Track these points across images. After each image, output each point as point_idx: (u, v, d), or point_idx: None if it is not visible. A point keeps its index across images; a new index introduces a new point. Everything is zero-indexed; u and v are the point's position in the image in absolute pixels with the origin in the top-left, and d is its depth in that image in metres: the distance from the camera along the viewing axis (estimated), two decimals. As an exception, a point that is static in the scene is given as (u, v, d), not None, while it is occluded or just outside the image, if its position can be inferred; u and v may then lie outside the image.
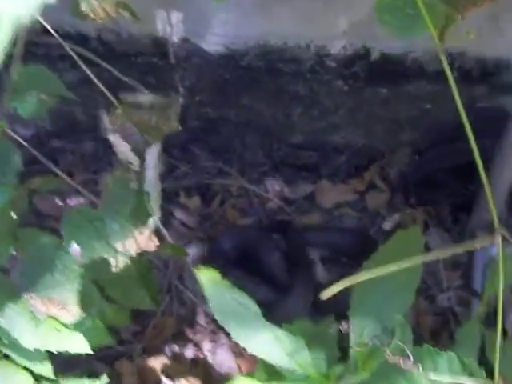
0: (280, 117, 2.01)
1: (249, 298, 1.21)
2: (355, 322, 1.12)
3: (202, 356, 1.77)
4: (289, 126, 2.03)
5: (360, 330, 1.14)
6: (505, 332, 1.72)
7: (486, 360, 1.34)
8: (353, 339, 1.16)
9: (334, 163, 2.11)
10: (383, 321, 1.21)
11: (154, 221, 1.22)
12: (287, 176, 2.12)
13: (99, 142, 2.11)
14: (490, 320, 1.55)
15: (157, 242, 1.26)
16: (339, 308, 1.70)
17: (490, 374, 1.36)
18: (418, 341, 1.35)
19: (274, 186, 2.09)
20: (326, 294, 0.87)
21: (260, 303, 1.76)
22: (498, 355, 0.94)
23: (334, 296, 1.76)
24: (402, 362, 0.95)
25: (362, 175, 2.10)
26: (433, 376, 0.99)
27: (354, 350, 1.16)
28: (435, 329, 1.78)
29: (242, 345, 1.17)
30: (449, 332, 1.77)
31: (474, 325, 1.43)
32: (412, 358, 0.95)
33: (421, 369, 0.96)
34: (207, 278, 1.19)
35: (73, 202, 1.97)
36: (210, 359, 1.76)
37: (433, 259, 0.80)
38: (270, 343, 1.18)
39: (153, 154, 1.13)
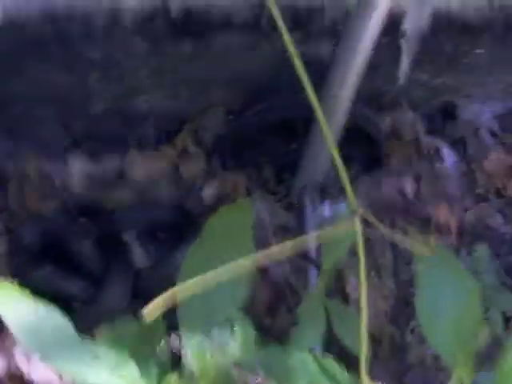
0: (76, 85, 1.79)
1: (59, 313, 1.00)
2: (186, 333, 0.95)
3: (16, 369, 1.56)
4: (87, 94, 1.82)
5: (192, 340, 0.98)
6: (346, 296, 1.64)
7: (331, 332, 1.23)
8: (186, 348, 1.00)
9: (141, 131, 1.91)
10: (218, 315, 1.05)
11: None
12: (90, 150, 1.91)
13: None
14: (329, 288, 1.44)
15: None
16: (159, 291, 1.56)
17: (339, 349, 1.25)
18: (254, 320, 1.23)
19: (76, 163, 1.88)
20: (150, 313, 0.69)
21: (76, 299, 1.59)
22: (364, 355, 0.79)
23: (154, 278, 1.61)
24: (249, 380, 0.79)
25: (172, 141, 1.92)
26: (287, 385, 0.84)
27: (189, 359, 0.99)
28: (271, 303, 1.65)
29: (56, 368, 0.98)
30: (286, 305, 1.64)
31: (316, 300, 1.30)
32: (260, 374, 0.79)
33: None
34: (2, 293, 0.98)
35: None
36: (25, 371, 1.55)
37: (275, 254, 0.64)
38: (89, 363, 0.98)
39: None
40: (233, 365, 0.84)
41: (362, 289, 0.75)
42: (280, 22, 0.54)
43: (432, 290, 1.00)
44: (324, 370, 0.86)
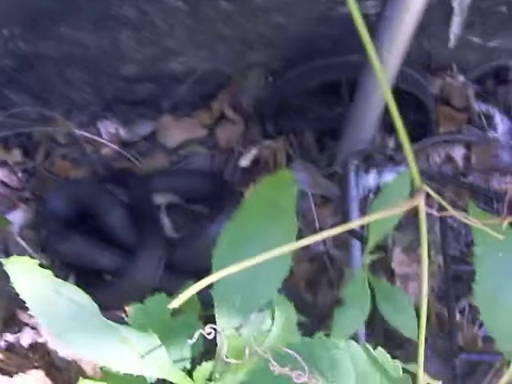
0: (106, 46, 1.71)
1: (83, 292, 0.91)
2: (222, 317, 0.87)
3: (41, 341, 1.50)
4: (118, 55, 1.73)
5: (228, 325, 0.90)
6: (390, 272, 1.55)
7: (375, 309, 1.16)
8: (221, 334, 0.91)
9: (175, 94, 1.83)
10: (257, 298, 0.96)
11: None
12: (122, 114, 1.84)
13: None
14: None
15: None
16: (194, 264, 1.48)
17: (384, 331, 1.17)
18: (294, 295, 1.16)
19: (107, 128, 1.81)
20: (180, 299, 0.61)
21: (107, 270, 1.51)
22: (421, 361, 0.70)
23: (188, 252, 1.53)
24: (294, 375, 0.70)
25: (209, 106, 1.84)
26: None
27: (225, 346, 0.91)
28: (312, 277, 1.57)
29: (80, 353, 0.89)
30: (327, 279, 1.56)
31: (361, 277, 1.21)
32: (306, 368, 0.70)
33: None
34: (19, 271, 0.89)
35: None
36: (51, 344, 1.49)
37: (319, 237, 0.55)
38: (115, 347, 0.90)
39: None
40: (273, 353, 0.75)
41: (423, 275, 0.66)
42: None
43: (495, 273, 0.92)
44: (375, 363, 0.77)
